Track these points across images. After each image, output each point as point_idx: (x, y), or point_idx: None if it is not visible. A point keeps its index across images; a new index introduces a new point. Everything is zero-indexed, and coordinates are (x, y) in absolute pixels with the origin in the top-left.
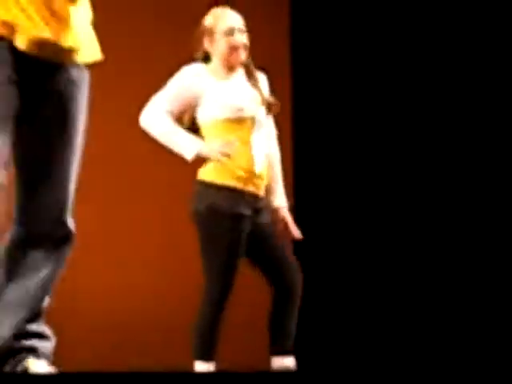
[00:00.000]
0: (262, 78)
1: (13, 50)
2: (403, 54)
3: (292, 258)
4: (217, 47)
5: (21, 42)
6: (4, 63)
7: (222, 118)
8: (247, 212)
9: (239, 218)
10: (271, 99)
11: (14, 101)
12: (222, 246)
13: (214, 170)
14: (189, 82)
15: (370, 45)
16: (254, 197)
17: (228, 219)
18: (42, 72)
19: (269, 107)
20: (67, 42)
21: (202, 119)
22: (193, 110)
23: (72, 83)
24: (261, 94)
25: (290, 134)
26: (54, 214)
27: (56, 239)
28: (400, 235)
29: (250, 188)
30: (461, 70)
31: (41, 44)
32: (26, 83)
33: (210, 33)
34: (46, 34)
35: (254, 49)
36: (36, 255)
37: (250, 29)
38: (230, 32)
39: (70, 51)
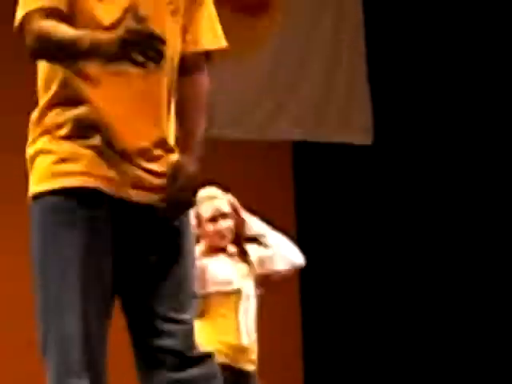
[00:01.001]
0: (251, 249)
1: (110, 198)
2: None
3: None
4: (203, 231)
5: (123, 193)
6: (106, 218)
7: (210, 291)
8: None
9: None
10: (258, 269)
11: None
12: None
13: None
14: None
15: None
16: (234, 370)
17: None
18: (141, 215)
19: (256, 279)
20: None
21: None
22: None
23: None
24: (250, 267)
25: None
26: None
27: None
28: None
29: (228, 361)
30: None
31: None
32: (129, 230)
33: (196, 216)
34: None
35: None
36: None
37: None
38: (215, 219)
39: None
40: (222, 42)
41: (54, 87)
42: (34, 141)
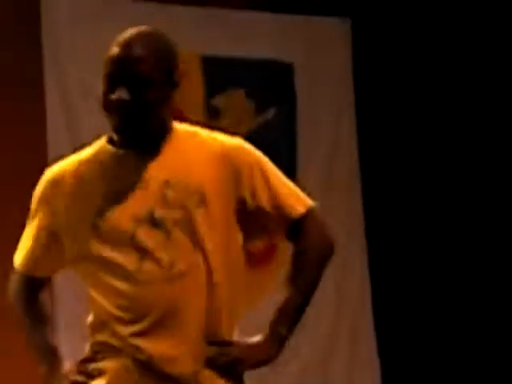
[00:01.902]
0: None
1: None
2: None
3: None
4: None
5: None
6: None
7: None
8: None
9: None
10: None
11: None
12: None
13: None
14: None
15: None
16: None
17: None
18: None
19: None
20: None
21: None
22: None
23: None
24: None
25: None
26: None
27: None
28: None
29: None
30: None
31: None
32: None
33: None
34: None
35: None
36: None
37: None
38: None
39: None
40: (306, 203)
41: (90, 317)
42: None
